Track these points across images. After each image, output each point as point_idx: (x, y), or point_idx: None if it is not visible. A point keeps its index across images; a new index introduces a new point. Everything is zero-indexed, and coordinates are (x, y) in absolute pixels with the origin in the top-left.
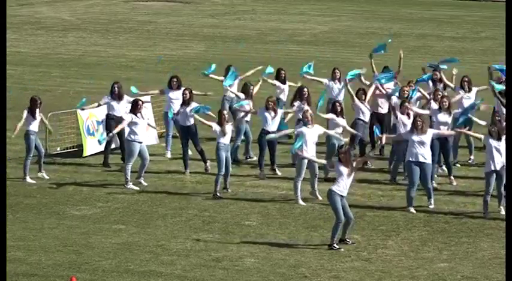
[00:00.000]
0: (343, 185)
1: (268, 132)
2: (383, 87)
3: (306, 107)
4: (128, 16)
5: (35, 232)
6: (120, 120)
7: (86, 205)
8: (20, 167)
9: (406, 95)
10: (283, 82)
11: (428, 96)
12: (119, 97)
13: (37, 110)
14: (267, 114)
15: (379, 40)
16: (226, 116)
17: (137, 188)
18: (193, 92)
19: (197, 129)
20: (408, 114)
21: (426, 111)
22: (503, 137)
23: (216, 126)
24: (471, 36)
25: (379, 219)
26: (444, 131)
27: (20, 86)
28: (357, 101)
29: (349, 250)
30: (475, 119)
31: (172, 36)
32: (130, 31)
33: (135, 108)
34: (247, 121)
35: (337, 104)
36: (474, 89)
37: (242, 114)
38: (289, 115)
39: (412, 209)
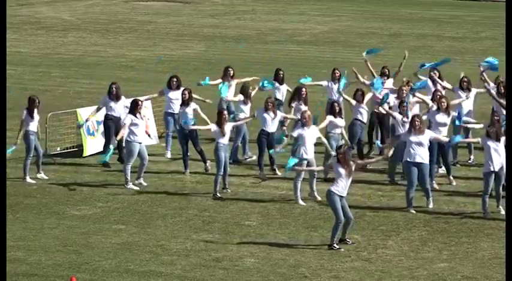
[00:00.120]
0: (342, 186)
1: (268, 133)
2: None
3: (304, 108)
4: (128, 16)
5: (35, 232)
6: (117, 120)
7: (86, 205)
8: (20, 167)
9: (404, 95)
10: (281, 82)
11: (427, 100)
12: (116, 97)
13: (35, 110)
14: (266, 115)
15: (379, 40)
16: (226, 116)
17: (137, 188)
18: (194, 96)
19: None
20: (407, 115)
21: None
22: (502, 138)
23: (214, 127)
24: (471, 36)
25: (379, 219)
26: (440, 137)
27: (20, 86)
28: (355, 102)
29: (349, 250)
30: (470, 125)
31: (172, 36)
32: (130, 31)
33: (134, 108)
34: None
35: (336, 104)
36: (474, 90)
37: (241, 115)
38: (288, 121)
39: (412, 210)
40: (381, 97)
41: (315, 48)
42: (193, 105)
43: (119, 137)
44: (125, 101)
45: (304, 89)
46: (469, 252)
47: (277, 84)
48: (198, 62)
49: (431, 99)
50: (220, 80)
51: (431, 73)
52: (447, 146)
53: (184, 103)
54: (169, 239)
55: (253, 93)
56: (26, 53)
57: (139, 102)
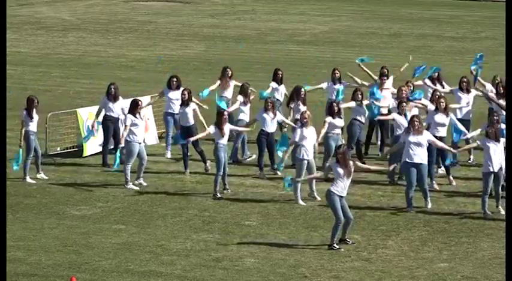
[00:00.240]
0: (341, 186)
1: (268, 133)
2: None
3: (303, 108)
4: (128, 16)
5: (35, 232)
6: (116, 121)
7: (86, 205)
8: (20, 167)
9: (403, 95)
10: (280, 82)
11: (426, 103)
12: (114, 98)
13: (34, 110)
14: (266, 115)
15: (379, 40)
16: (226, 117)
17: (137, 188)
18: (193, 99)
19: (197, 129)
20: (405, 115)
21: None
22: (502, 139)
23: (212, 129)
24: (471, 36)
25: (379, 219)
26: (438, 142)
27: (20, 86)
28: (354, 104)
29: (349, 250)
30: (469, 135)
31: (172, 36)
32: (130, 31)
33: (134, 108)
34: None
35: (334, 104)
36: (473, 92)
37: (241, 115)
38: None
39: (412, 210)
40: (384, 105)
41: (315, 48)
42: (193, 105)
43: (122, 141)
44: (123, 102)
45: (303, 89)
46: (469, 252)
47: (276, 86)
48: (198, 62)
49: (430, 100)
50: (218, 82)
51: (427, 79)
52: (454, 142)
53: (184, 103)
54: (169, 239)
55: (252, 97)
56: (26, 53)
57: (139, 102)
